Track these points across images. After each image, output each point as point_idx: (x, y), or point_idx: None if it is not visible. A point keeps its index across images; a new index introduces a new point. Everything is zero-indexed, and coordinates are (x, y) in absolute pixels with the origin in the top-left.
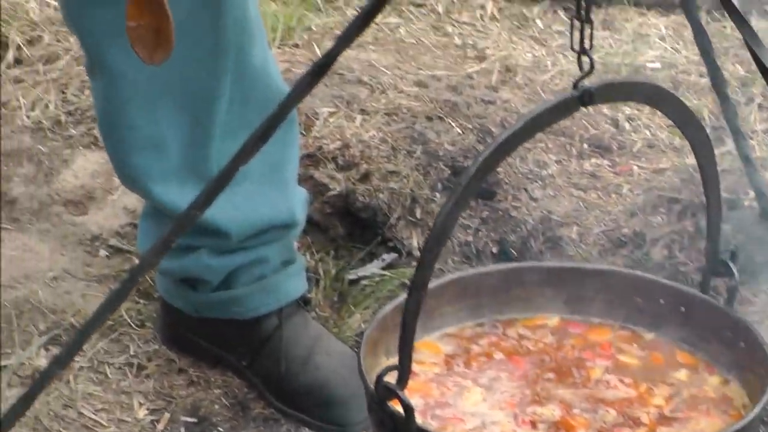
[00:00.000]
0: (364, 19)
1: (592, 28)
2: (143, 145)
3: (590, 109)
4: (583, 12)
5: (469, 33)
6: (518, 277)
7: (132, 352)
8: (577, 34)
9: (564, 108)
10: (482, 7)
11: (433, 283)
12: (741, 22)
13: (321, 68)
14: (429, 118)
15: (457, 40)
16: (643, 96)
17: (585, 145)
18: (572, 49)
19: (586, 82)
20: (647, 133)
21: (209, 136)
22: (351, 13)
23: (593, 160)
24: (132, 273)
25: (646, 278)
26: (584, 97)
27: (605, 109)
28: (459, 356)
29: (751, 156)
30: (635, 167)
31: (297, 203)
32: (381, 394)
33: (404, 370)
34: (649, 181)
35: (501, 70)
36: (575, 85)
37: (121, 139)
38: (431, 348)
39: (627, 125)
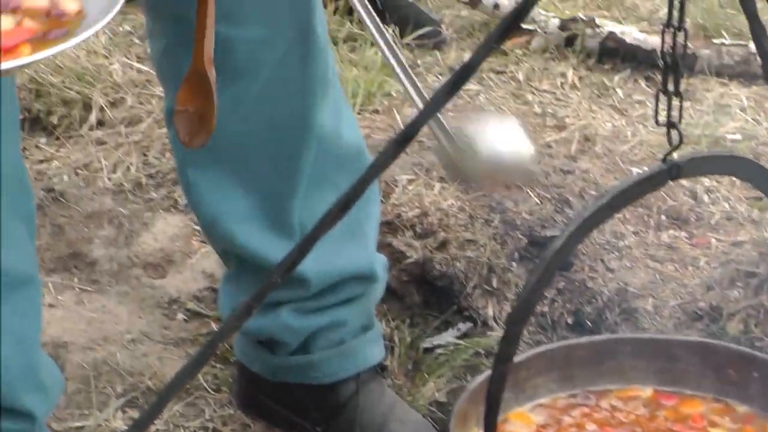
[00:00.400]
0: (449, 91)
1: (681, 101)
2: (230, 187)
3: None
4: (671, 85)
5: (549, 101)
6: (610, 348)
7: (207, 416)
8: (662, 107)
9: (652, 182)
10: (563, 75)
11: (522, 356)
12: None
13: (405, 139)
14: (507, 187)
15: (537, 109)
16: (732, 170)
17: (663, 217)
18: (656, 121)
19: (674, 156)
20: (726, 205)
21: (294, 188)
22: (432, 79)
23: (671, 232)
24: (213, 338)
25: (740, 351)
26: (672, 171)
27: (684, 180)
28: (550, 426)
29: None
30: (713, 240)
31: (377, 260)
32: None
33: None
34: (726, 254)
35: (580, 140)
36: (664, 159)
37: (208, 180)
38: (523, 419)
39: (705, 197)
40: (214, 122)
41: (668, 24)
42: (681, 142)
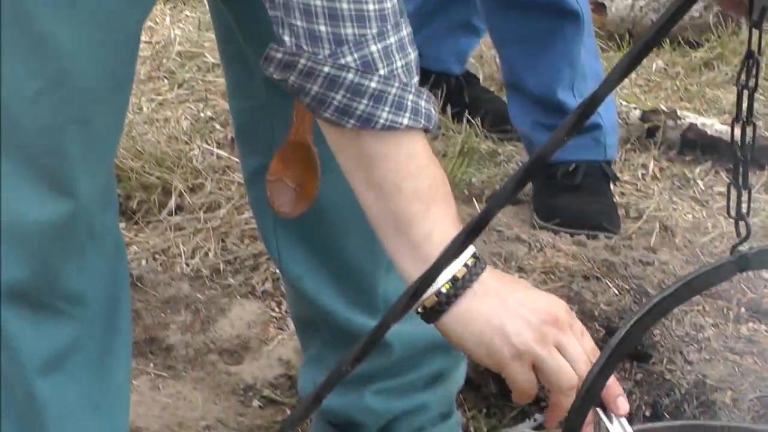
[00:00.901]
0: (518, 182)
1: (750, 194)
2: (315, 258)
3: (750, 273)
4: (740, 178)
5: (630, 192)
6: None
7: None
8: (734, 199)
9: (721, 273)
10: (644, 166)
11: None
12: None
13: (474, 229)
14: (586, 278)
15: (618, 199)
16: None
17: (743, 309)
18: (728, 214)
19: (745, 246)
20: None
21: (377, 262)
22: (512, 167)
23: (750, 324)
24: (282, 426)
25: None
26: (741, 263)
27: (765, 273)
28: None
29: None
30: None
31: None
32: None
33: None
34: None
35: (660, 231)
36: (732, 250)
37: (293, 247)
38: None
39: None
40: (315, 194)
41: (737, 117)
42: (749, 234)
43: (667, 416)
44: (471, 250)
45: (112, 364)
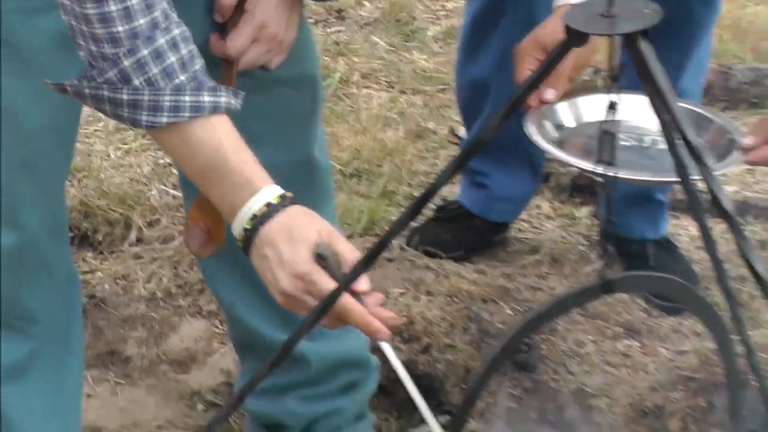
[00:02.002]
0: (409, 215)
1: (613, 226)
2: (242, 283)
3: (625, 297)
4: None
5: (527, 229)
6: None
7: None
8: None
9: (587, 295)
10: (539, 206)
11: None
12: (735, 226)
13: (372, 255)
14: (484, 301)
15: (515, 234)
16: (658, 288)
17: (619, 328)
18: (599, 245)
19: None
20: (673, 319)
21: None
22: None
23: (624, 342)
24: (213, 418)
25: None
26: (605, 287)
27: (638, 298)
28: None
29: (749, 340)
30: (661, 349)
31: (371, 356)
32: None
33: None
34: (672, 361)
35: (550, 261)
36: (599, 276)
37: (224, 276)
38: None
39: (656, 312)
40: (223, 238)
41: (599, 160)
42: (610, 259)
43: (551, 419)
44: (274, 192)
45: (66, 376)
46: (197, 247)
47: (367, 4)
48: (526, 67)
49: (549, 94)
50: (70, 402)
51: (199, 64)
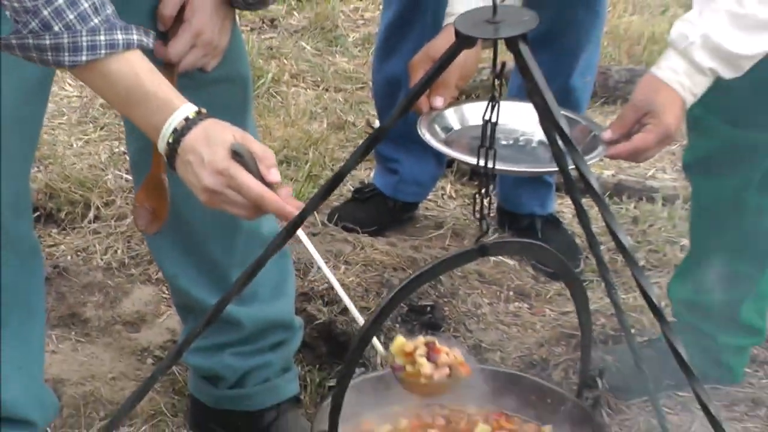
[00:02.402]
0: (322, 195)
1: (490, 201)
2: (184, 258)
3: (516, 264)
4: (483, 189)
5: (433, 208)
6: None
7: None
8: (479, 204)
9: (465, 257)
10: (443, 188)
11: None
12: (600, 204)
13: (290, 230)
14: (395, 269)
15: (423, 212)
16: (528, 252)
17: (511, 292)
18: (473, 216)
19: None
20: (558, 285)
21: (232, 258)
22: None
23: (516, 304)
24: (155, 370)
25: (540, 383)
26: (481, 250)
27: (528, 266)
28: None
29: (619, 302)
30: (547, 310)
31: (295, 318)
32: None
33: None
34: (556, 320)
35: (452, 236)
36: (476, 241)
37: (168, 251)
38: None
39: (543, 278)
40: (166, 217)
41: (482, 144)
42: (488, 229)
43: None
44: (191, 109)
45: (30, 335)
46: (144, 226)
47: (296, 14)
48: (418, 77)
49: (438, 101)
50: (34, 357)
51: (110, 8)
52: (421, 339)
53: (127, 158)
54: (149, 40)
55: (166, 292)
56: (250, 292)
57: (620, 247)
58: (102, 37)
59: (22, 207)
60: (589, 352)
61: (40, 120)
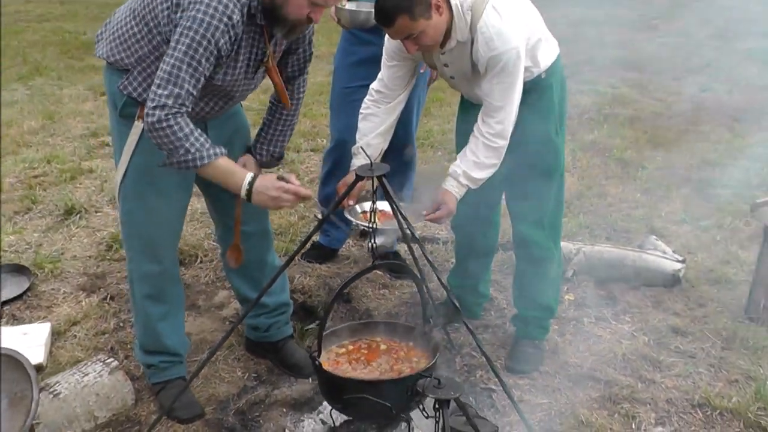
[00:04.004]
0: (298, 251)
1: (374, 234)
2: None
3: (380, 274)
4: (373, 224)
5: (346, 249)
6: (369, 325)
7: (235, 356)
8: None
9: (367, 270)
10: (349, 241)
11: (337, 326)
12: (420, 245)
13: (286, 264)
14: (331, 278)
15: (342, 252)
16: (393, 266)
17: (382, 282)
18: (367, 252)
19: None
20: (404, 281)
21: (269, 268)
22: None
23: (383, 290)
24: (233, 324)
25: (403, 324)
26: (373, 267)
27: (386, 275)
28: (345, 353)
29: (426, 285)
30: (397, 293)
31: (290, 299)
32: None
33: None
34: (405, 296)
35: (356, 263)
36: (372, 262)
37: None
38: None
39: (394, 279)
40: (243, 259)
41: (371, 221)
42: (375, 258)
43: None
44: (252, 174)
45: (178, 311)
46: (233, 264)
47: None
48: (341, 191)
49: (351, 201)
50: (180, 321)
51: (206, 137)
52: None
53: (213, 235)
54: (225, 151)
55: (232, 294)
56: (270, 290)
57: (428, 261)
58: (212, 151)
59: (175, 258)
60: (426, 307)
61: (186, 210)
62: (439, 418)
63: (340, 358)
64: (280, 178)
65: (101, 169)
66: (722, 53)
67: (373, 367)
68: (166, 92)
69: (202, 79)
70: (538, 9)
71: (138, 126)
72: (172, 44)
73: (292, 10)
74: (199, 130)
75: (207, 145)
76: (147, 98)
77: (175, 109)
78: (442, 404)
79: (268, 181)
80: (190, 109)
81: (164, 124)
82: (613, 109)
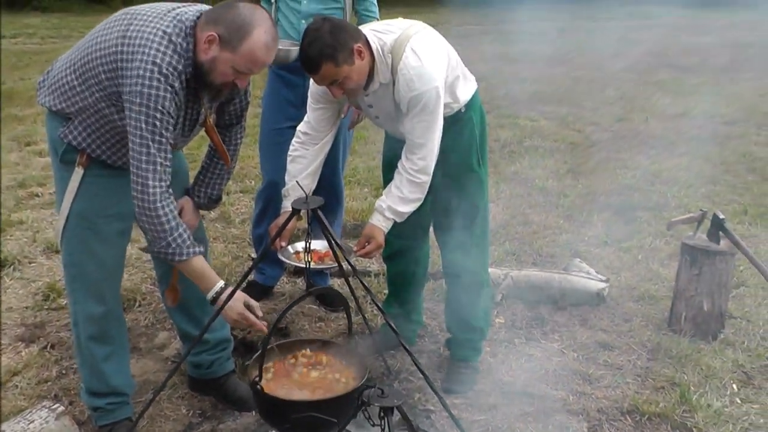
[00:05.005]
0: (238, 284)
1: (310, 256)
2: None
3: (315, 308)
4: (308, 244)
5: (280, 287)
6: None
7: (178, 395)
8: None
9: (304, 297)
10: (282, 278)
11: (288, 341)
12: (357, 277)
13: (223, 305)
14: (268, 313)
15: (276, 288)
16: (325, 293)
17: (316, 318)
18: (305, 284)
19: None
20: (338, 313)
21: (204, 310)
22: None
23: (320, 323)
24: (178, 361)
25: (332, 341)
26: (308, 294)
27: (322, 310)
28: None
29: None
30: (332, 324)
31: (231, 335)
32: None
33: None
34: (339, 326)
35: (289, 297)
36: (307, 290)
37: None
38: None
39: (329, 312)
40: (178, 299)
41: (306, 260)
42: (309, 287)
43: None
44: (222, 283)
45: (124, 353)
46: (170, 303)
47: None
48: (273, 233)
49: (283, 242)
50: (126, 361)
51: (189, 233)
52: None
53: (151, 279)
54: (202, 250)
55: (173, 334)
56: (211, 327)
57: (364, 285)
58: (191, 249)
59: (118, 299)
60: (351, 331)
61: (124, 260)
62: (384, 426)
63: (275, 377)
64: (247, 306)
65: (32, 219)
66: (636, 85)
67: (311, 380)
68: (144, 173)
69: (169, 147)
70: (455, 47)
71: (78, 172)
72: (131, 123)
73: (217, 77)
74: (183, 226)
75: (188, 243)
76: (87, 147)
77: (159, 189)
78: (386, 412)
79: (235, 305)
80: (169, 183)
81: (152, 213)
82: (533, 141)
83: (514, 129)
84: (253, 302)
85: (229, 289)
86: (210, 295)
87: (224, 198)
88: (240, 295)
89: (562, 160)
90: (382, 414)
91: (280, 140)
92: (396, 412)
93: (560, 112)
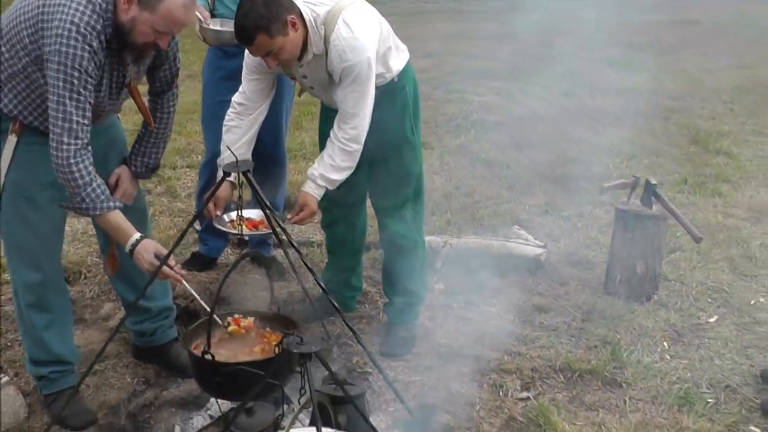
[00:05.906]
0: (172, 249)
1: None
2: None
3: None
4: (240, 215)
5: (223, 257)
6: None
7: (123, 363)
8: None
9: (239, 262)
10: (227, 249)
11: (228, 312)
12: (294, 246)
13: (166, 257)
14: (211, 282)
15: (220, 260)
16: (260, 258)
17: (248, 282)
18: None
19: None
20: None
21: (142, 285)
22: None
23: (259, 279)
24: (114, 329)
25: (266, 312)
26: (244, 257)
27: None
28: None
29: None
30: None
31: (173, 304)
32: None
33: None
34: (290, 295)
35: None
36: (242, 253)
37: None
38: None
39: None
40: (118, 268)
41: (239, 230)
42: (246, 252)
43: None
44: (138, 235)
45: (67, 321)
46: (110, 272)
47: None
48: (207, 200)
49: (218, 211)
50: (69, 331)
51: (105, 187)
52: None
53: (97, 247)
54: (119, 204)
55: (118, 305)
56: (152, 295)
57: (298, 252)
58: (105, 204)
59: (58, 268)
60: (272, 297)
61: (63, 231)
62: (303, 373)
63: (217, 345)
64: (158, 256)
65: None
66: (585, 62)
67: (251, 347)
68: (59, 130)
69: (88, 106)
70: (408, 25)
71: (11, 140)
72: (50, 82)
73: (138, 37)
74: (99, 180)
75: (102, 198)
76: (19, 114)
77: (74, 146)
78: (304, 358)
79: (146, 253)
80: (87, 140)
81: (66, 169)
82: (480, 116)
83: (462, 104)
84: (163, 250)
85: (145, 241)
86: (127, 247)
87: (170, 173)
88: (150, 245)
89: (508, 133)
90: (301, 360)
91: (221, 113)
92: (314, 357)
93: (508, 88)
